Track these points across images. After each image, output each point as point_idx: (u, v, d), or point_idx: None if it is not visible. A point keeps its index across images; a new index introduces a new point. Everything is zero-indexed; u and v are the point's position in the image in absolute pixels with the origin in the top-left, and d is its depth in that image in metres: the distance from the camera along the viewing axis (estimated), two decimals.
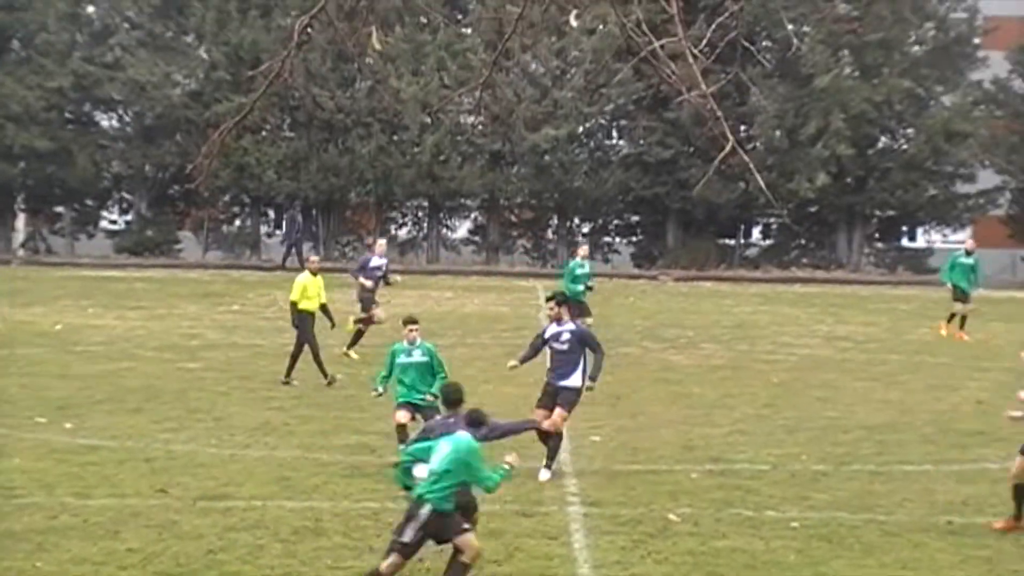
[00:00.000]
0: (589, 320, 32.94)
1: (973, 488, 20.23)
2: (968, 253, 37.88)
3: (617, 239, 65.81)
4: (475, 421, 14.96)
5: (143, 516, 17.47)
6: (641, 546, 16.60)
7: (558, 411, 19.86)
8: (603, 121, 64.62)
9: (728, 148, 11.57)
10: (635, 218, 66.32)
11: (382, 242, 35.49)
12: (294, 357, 28.02)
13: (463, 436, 14.51)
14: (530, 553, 16.31)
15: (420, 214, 66.22)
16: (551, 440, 19.87)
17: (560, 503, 18.75)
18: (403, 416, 20.26)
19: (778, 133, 61.97)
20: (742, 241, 66.51)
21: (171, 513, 17.66)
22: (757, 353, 34.32)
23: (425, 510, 14.18)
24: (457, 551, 14.33)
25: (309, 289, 28.29)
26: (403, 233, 66.15)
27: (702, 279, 58.19)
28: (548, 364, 20.39)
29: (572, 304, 32.84)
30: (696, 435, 23.42)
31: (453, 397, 15.86)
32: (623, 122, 64.75)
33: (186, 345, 33.85)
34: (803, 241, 65.40)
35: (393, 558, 14.20)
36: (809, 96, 61.16)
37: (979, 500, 19.50)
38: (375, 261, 33.07)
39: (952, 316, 37.62)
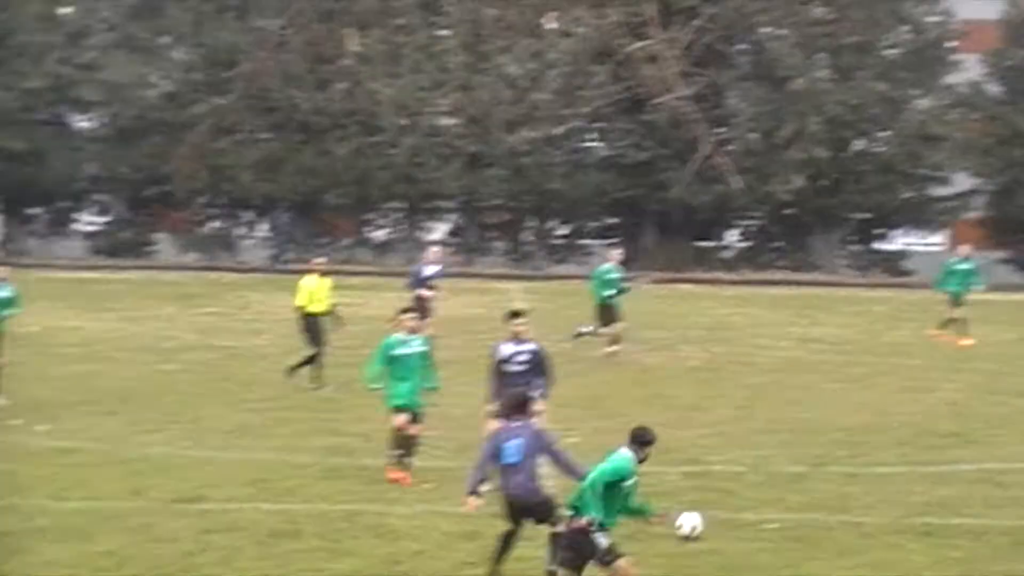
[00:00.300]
0: (620, 326, 32.70)
1: (948, 490, 20.31)
2: (966, 259, 37.81)
3: (594, 241, 65.77)
4: (640, 439, 14.65)
5: (118, 518, 17.44)
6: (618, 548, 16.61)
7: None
8: (580, 123, 64.53)
9: (705, 150, 11.60)
10: (612, 220, 66.31)
11: (436, 248, 35.38)
12: (309, 359, 27.93)
13: (622, 452, 14.48)
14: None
15: (397, 216, 66.15)
16: None
17: None
18: (405, 419, 20.04)
19: (754, 136, 62.04)
20: (719, 243, 66.55)
21: (147, 515, 17.64)
22: (734, 355, 34.37)
23: (586, 517, 14.22)
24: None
25: (316, 292, 28.28)
26: (380, 235, 66.07)
27: (679, 281, 58.18)
28: (505, 384, 19.55)
29: (605, 309, 32.75)
30: (673, 437, 23.43)
31: (518, 402, 15.87)
32: (600, 124, 64.73)
33: (162, 347, 33.78)
34: (779, 243, 65.46)
35: (621, 563, 14.18)
36: (785, 99, 61.24)
37: (954, 502, 19.57)
38: (429, 270, 33.08)
39: (951, 321, 37.20)
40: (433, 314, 31.88)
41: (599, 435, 23.36)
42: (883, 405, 27.40)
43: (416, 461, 20.24)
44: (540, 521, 15.70)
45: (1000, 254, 61.89)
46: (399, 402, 20.05)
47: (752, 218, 65.26)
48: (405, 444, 20.02)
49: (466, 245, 65.10)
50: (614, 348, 32.64)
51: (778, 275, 61.23)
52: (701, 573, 15.75)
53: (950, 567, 16.43)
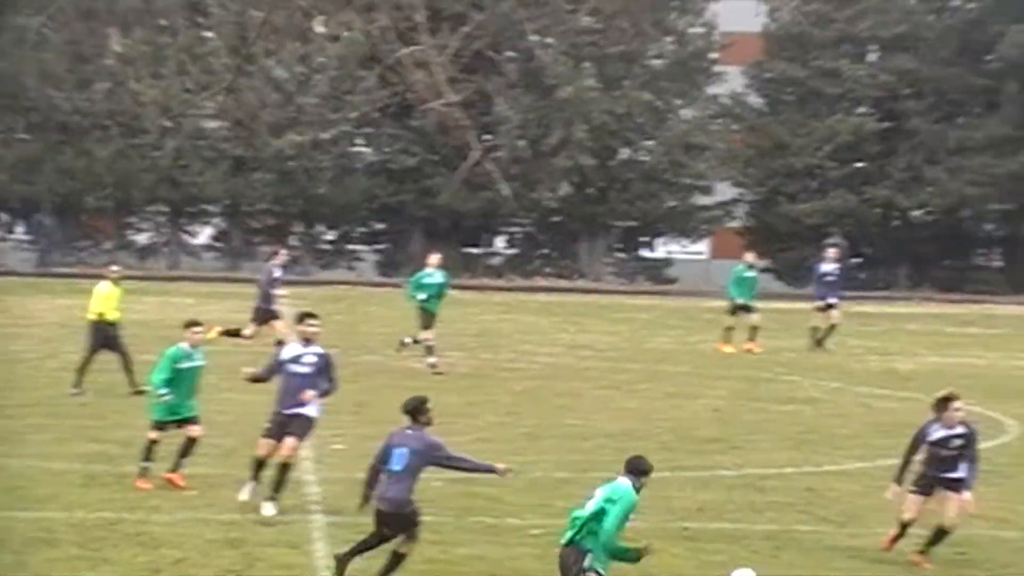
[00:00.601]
0: (430, 334, 32.09)
1: (709, 494, 20.59)
2: (751, 266, 38.35)
3: (362, 247, 65.62)
4: (638, 469, 14.17)
5: None
6: (383, 555, 16.50)
7: (291, 441, 18.51)
8: (348, 128, 64.34)
9: (473, 157, 11.54)
10: (380, 226, 66.22)
11: (284, 252, 35.14)
12: (127, 367, 27.31)
13: (623, 484, 13.96)
14: (271, 562, 16.13)
15: (160, 219, 65.16)
16: (280, 471, 18.50)
17: (302, 512, 18.57)
18: (158, 435, 19.68)
19: (521, 143, 62.47)
20: (486, 250, 66.87)
21: None
22: (500, 361, 34.49)
23: (589, 557, 13.65)
24: None
25: (111, 299, 27.94)
26: (143, 239, 65.00)
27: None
28: (280, 388, 18.83)
29: (426, 314, 32.23)
30: None
31: (412, 408, 15.70)
32: (368, 129, 64.61)
33: None
34: (546, 250, 66.04)
35: None
36: (552, 107, 61.79)
37: (715, 506, 19.85)
38: (277, 272, 32.79)
39: (729, 330, 37.51)
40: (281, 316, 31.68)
41: (366, 441, 23.17)
42: (647, 411, 27.71)
43: (187, 465, 19.88)
44: (396, 532, 15.37)
45: (760, 263, 63.16)
46: (159, 417, 19.72)
47: (519, 225, 65.75)
48: (149, 453, 19.68)
49: (231, 250, 64.42)
50: (433, 359, 31.90)
51: (544, 282, 61.73)
52: None
53: (712, 571, 16.62)
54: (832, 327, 37.76)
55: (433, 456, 15.30)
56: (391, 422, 25.00)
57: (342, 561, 15.26)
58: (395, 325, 41.60)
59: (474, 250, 66.23)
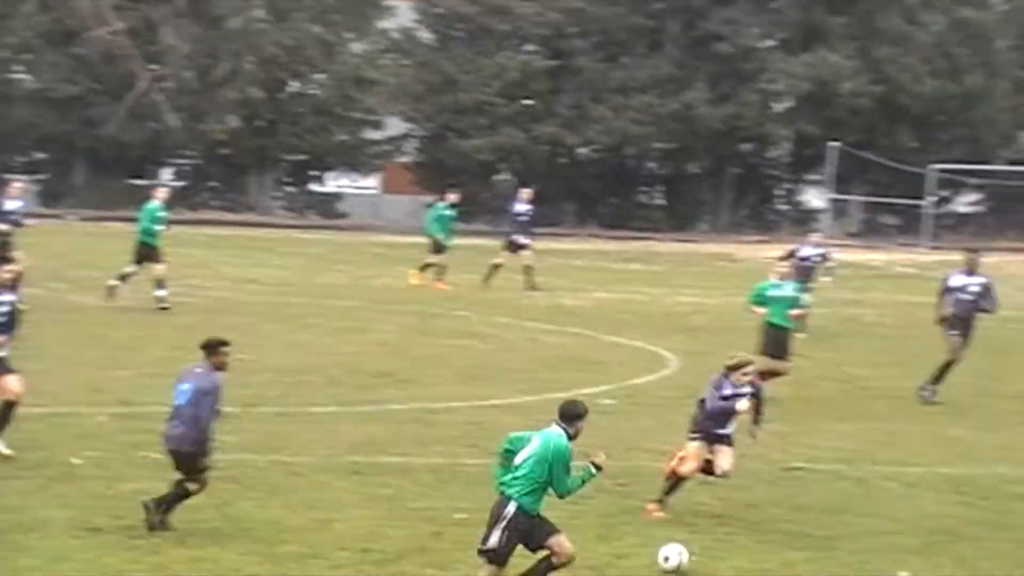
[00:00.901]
0: (161, 267, 31.58)
1: (377, 428, 20.75)
2: (453, 206, 38.61)
3: (22, 177, 63.71)
4: (571, 414, 13.50)
5: None
6: (44, 490, 16.21)
7: (16, 376, 18.09)
8: (7, 55, 62.30)
9: (140, 87, 11.28)
10: (41, 156, 64.44)
11: (19, 184, 34.19)
12: None
13: (553, 433, 13.36)
14: None
15: None
16: (8, 408, 18.00)
17: None
18: None
19: (189, 74, 61.49)
20: (152, 182, 65.64)
21: None
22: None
23: (510, 509, 13.15)
24: (549, 554, 13.32)
25: None
26: None
27: (110, 220, 57.16)
28: None
29: (146, 248, 31.51)
30: (104, 377, 22.99)
31: (206, 345, 15.48)
32: (28, 56, 62.64)
33: None
34: (214, 183, 65.24)
35: (486, 571, 13.19)
36: (221, 37, 60.95)
37: (382, 440, 20.01)
38: (9, 204, 31.85)
39: (427, 266, 37.74)
40: (13, 250, 30.46)
41: (26, 376, 22.58)
42: (317, 346, 27.73)
43: None
44: (178, 470, 15.12)
45: (430, 198, 63.59)
46: None
47: (187, 157, 64.79)
48: None
49: None
50: (163, 292, 31.58)
51: (212, 215, 60.99)
52: (129, 515, 15.46)
53: (378, 504, 16.75)
54: (528, 268, 38.08)
55: (212, 394, 15.06)
56: (53, 357, 24.55)
57: (159, 505, 15.04)
58: (57, 258, 40.65)
59: (140, 182, 64.85)
